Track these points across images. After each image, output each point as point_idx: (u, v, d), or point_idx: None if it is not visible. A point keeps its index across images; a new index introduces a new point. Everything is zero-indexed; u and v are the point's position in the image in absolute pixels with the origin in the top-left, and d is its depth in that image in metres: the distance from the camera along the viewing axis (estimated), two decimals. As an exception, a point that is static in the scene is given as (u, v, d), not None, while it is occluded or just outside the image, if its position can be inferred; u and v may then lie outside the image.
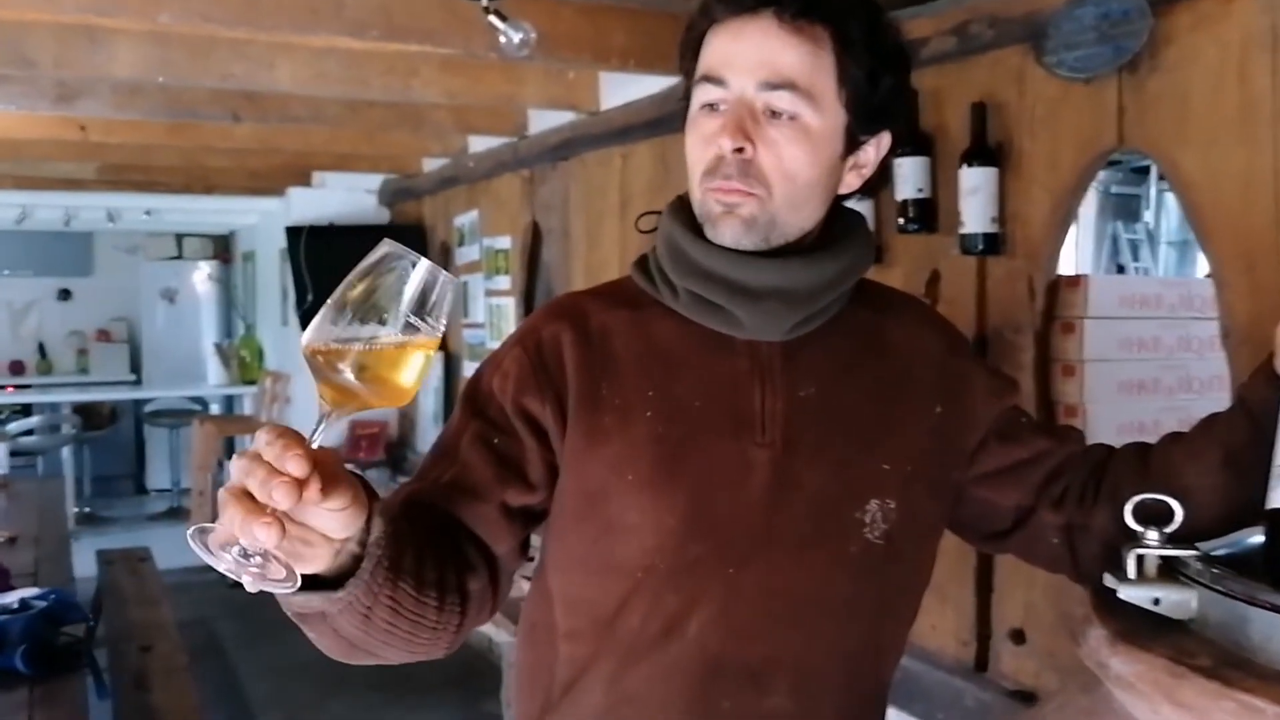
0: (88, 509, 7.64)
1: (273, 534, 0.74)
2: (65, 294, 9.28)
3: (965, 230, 2.12)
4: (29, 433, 7.35)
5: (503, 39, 2.30)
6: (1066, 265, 2.53)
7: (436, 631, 0.97)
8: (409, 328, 0.79)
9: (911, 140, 2.22)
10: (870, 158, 1.10)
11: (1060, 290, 2.13)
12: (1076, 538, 1.11)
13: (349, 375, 0.78)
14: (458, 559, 1.01)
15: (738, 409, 1.06)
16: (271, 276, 7.05)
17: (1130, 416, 2.16)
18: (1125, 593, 0.92)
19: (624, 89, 3.44)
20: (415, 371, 0.81)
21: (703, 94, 1.05)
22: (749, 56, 1.02)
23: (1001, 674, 2.15)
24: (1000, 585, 2.16)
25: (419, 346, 0.80)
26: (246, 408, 7.78)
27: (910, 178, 2.22)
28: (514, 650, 1.20)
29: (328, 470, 0.78)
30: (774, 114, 1.02)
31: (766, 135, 1.02)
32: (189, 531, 0.78)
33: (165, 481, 8.38)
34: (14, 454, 6.73)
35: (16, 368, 9.04)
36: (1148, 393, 2.22)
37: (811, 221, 1.08)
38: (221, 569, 0.78)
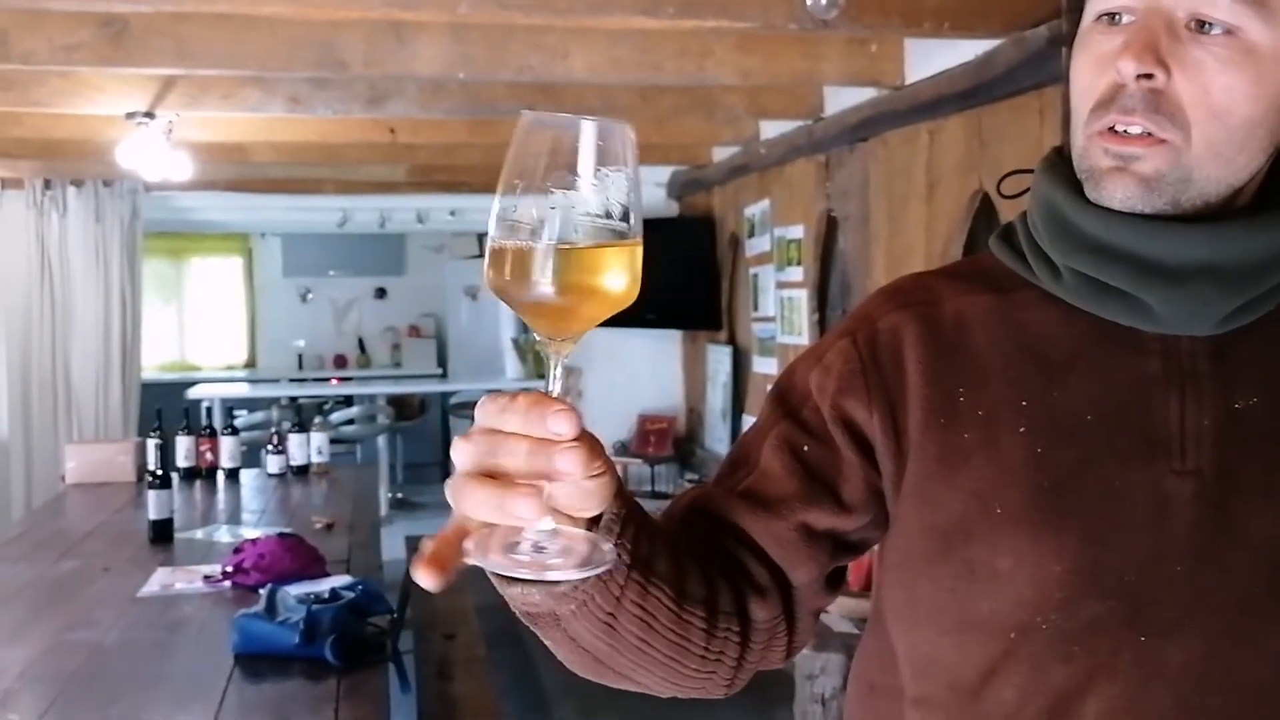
0: (400, 494, 8.13)
1: (535, 505, 0.58)
2: (381, 292, 9.95)
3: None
4: (349, 422, 7.89)
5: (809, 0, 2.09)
6: None
7: (707, 660, 0.79)
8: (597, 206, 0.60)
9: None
10: None
11: None
12: None
13: (542, 287, 0.60)
14: (741, 580, 0.82)
15: (1148, 425, 0.79)
16: (564, 272, 7.19)
17: None
18: None
19: (931, 58, 3.14)
20: (623, 261, 0.61)
21: (1100, 1, 0.79)
22: None
23: None
24: None
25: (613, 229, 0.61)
26: (540, 401, 8.01)
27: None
28: (845, 709, 0.97)
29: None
30: (1201, 26, 0.75)
31: (1189, 57, 0.75)
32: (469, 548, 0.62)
33: (467, 470, 8.80)
34: (335, 442, 7.26)
35: (340, 361, 9.80)
36: None
37: (1243, 176, 0.79)
38: (495, 569, 0.62)
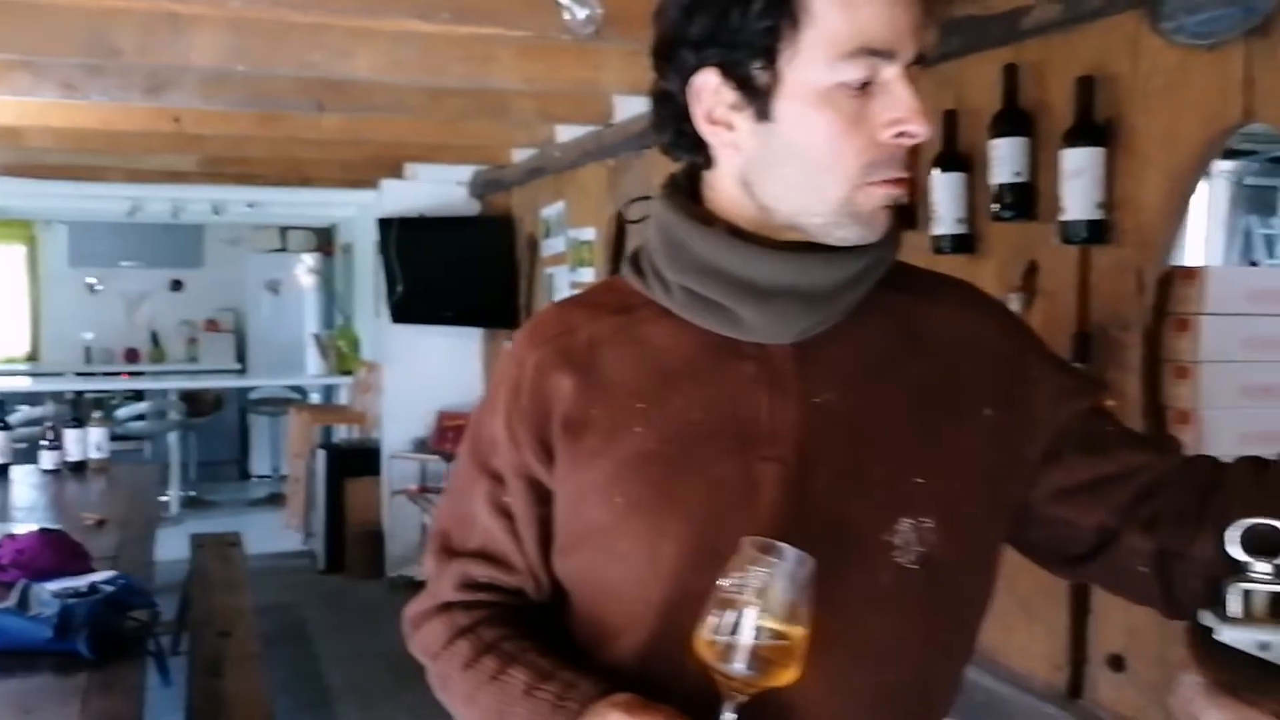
0: (193, 493, 7.84)
1: None
2: (177, 284, 9.58)
3: (1067, 217, 1.94)
4: (139, 418, 7.57)
5: (566, 15, 2.20)
6: (1191, 260, 2.31)
7: None
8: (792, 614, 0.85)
9: (1008, 119, 2.05)
10: None
11: (1174, 283, 1.93)
12: (1171, 567, 0.94)
13: (739, 665, 0.84)
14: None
15: (743, 420, 0.93)
16: (367, 269, 7.10)
17: (1254, 425, 1.94)
18: (1227, 634, 0.77)
19: (710, 74, 3.31)
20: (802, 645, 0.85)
21: (851, 71, 0.87)
22: (910, 16, 0.87)
23: (1099, 703, 1.97)
24: (1098, 606, 1.97)
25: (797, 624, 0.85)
26: (343, 398, 7.90)
27: (1007, 160, 2.05)
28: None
29: None
30: (918, 60, 0.89)
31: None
32: None
33: (266, 468, 8.58)
34: (124, 438, 6.94)
35: (131, 355, 9.37)
36: (1276, 398, 2.00)
37: None
38: None
